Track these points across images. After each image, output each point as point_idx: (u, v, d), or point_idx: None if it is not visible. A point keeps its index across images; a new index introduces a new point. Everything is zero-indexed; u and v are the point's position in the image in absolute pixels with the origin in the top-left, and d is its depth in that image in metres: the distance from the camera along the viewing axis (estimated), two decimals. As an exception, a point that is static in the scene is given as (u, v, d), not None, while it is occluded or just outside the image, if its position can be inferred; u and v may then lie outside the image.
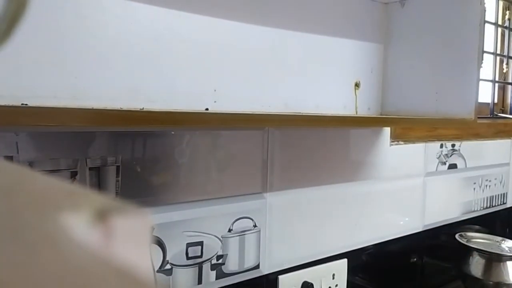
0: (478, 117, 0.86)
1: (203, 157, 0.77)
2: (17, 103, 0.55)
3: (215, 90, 0.77)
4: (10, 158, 0.56)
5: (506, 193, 1.51)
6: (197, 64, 0.74)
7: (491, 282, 1.08)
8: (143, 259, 0.12)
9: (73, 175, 0.62)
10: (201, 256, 0.77)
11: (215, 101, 0.77)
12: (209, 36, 0.75)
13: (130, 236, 0.12)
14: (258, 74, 0.82)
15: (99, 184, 0.65)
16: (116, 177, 0.66)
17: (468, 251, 1.14)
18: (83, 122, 0.60)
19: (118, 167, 0.66)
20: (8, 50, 0.55)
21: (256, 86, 0.82)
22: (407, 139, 1.15)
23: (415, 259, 1.22)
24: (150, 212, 0.71)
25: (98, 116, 0.57)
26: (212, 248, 0.79)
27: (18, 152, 0.57)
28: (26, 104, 0.56)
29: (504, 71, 1.54)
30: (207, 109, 0.76)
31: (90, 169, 0.64)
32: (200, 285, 0.77)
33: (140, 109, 0.59)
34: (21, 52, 0.56)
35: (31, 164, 0.58)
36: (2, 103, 0.54)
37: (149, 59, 0.69)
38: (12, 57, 0.55)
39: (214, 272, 0.79)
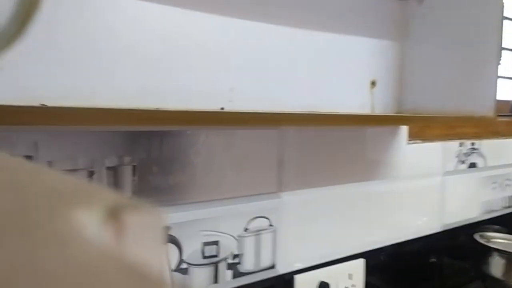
0: (498, 115, 0.84)
1: (219, 156, 0.77)
2: (36, 103, 0.56)
3: (230, 90, 0.77)
4: (29, 157, 0.57)
5: (528, 192, 1.48)
6: (212, 64, 0.75)
7: (512, 283, 1.06)
8: (155, 257, 0.12)
9: (91, 174, 0.63)
10: (217, 255, 0.77)
11: (230, 101, 0.77)
12: (224, 36, 0.75)
13: (142, 234, 0.12)
14: (273, 73, 0.82)
15: (116, 183, 0.65)
16: (133, 176, 0.67)
17: (488, 251, 1.12)
18: (99, 122, 0.60)
19: (134, 167, 0.67)
20: (26, 52, 0.56)
21: (271, 85, 0.81)
22: (425, 138, 1.13)
23: (433, 259, 1.20)
24: (166, 211, 0.71)
25: (114, 116, 0.58)
26: (228, 247, 0.79)
27: (37, 151, 0.58)
28: (45, 105, 0.57)
29: (525, 68, 1.50)
30: (222, 108, 0.76)
31: (107, 168, 0.64)
32: (216, 284, 0.78)
33: (156, 108, 0.60)
34: (38, 53, 0.57)
35: (50, 163, 0.59)
36: (21, 104, 0.55)
37: (164, 59, 0.69)
38: (29, 58, 0.56)
39: (230, 271, 0.79)
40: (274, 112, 0.78)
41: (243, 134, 0.80)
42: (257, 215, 0.83)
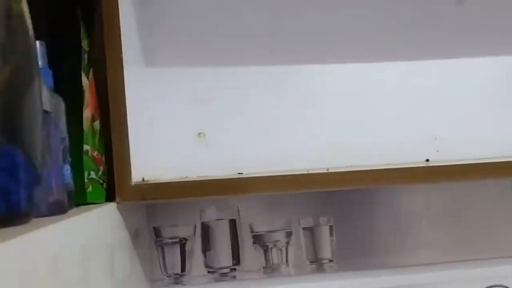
0: None
1: (433, 213, 0.69)
2: (234, 172, 0.64)
3: (435, 138, 0.69)
4: (233, 221, 0.65)
5: None
6: (410, 112, 0.69)
7: None
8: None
9: (288, 235, 0.66)
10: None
11: (437, 150, 0.69)
12: (420, 80, 0.69)
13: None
14: (489, 113, 0.69)
15: (313, 243, 0.66)
16: (330, 237, 0.67)
17: None
18: (290, 187, 0.63)
19: (331, 227, 0.67)
20: (226, 129, 0.65)
21: (488, 127, 0.69)
22: None
23: None
24: (371, 275, 0.67)
25: (303, 180, 0.60)
26: (454, 320, 0.67)
27: (239, 216, 0.65)
28: (241, 173, 0.64)
29: None
30: (427, 160, 0.69)
31: (303, 229, 0.66)
32: None
33: (326, 170, 0.59)
34: (235, 129, 0.66)
35: (251, 225, 0.66)
36: (224, 174, 0.63)
37: (355, 115, 0.68)
38: (228, 134, 0.65)
39: None
40: (497, 160, 0.65)
41: (462, 187, 0.69)
42: (494, 284, 0.68)
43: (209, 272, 0.65)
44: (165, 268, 0.64)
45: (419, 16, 0.70)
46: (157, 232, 0.64)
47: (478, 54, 0.70)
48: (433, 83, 0.70)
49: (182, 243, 0.64)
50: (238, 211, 0.65)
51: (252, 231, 0.65)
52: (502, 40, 0.70)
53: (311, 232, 0.67)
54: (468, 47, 0.70)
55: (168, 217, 0.66)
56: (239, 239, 0.65)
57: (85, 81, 0.43)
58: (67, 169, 0.38)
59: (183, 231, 0.64)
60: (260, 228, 0.65)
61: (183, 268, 0.64)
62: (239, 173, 0.65)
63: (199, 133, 0.66)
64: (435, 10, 0.70)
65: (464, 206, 0.69)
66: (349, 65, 0.69)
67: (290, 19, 0.67)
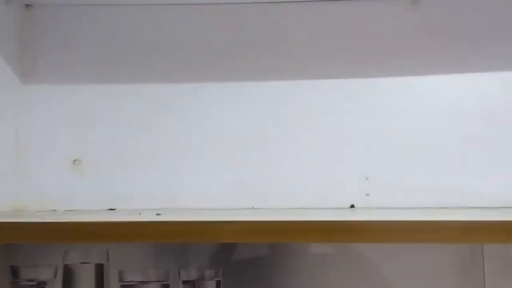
0: None
1: (350, 271, 0.56)
2: (105, 208, 0.55)
3: (366, 179, 0.57)
4: (101, 266, 0.55)
5: None
6: (335, 145, 0.58)
7: None
8: None
9: (165, 288, 0.55)
10: None
11: (367, 194, 0.56)
12: (349, 105, 0.58)
13: None
14: (434, 154, 0.56)
15: (196, 301, 0.55)
16: (217, 294, 0.55)
17: None
18: (169, 237, 0.53)
19: (218, 282, 0.55)
20: (102, 156, 0.57)
21: (429, 171, 0.56)
22: None
23: None
24: None
25: (192, 230, 0.50)
26: None
27: (108, 261, 0.56)
28: (114, 209, 0.55)
29: None
30: (352, 206, 0.57)
31: (184, 282, 0.55)
32: None
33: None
34: (111, 156, 0.57)
35: (121, 273, 0.55)
36: (98, 207, 0.54)
37: (263, 147, 0.58)
38: (105, 163, 0.57)
39: None
40: (447, 219, 0.51)
41: (389, 249, 0.56)
42: None
43: (67, 324, 0.55)
44: (19, 315, 0.55)
45: (345, 32, 0.59)
46: (14, 272, 0.56)
47: (422, 77, 0.58)
48: (365, 109, 0.58)
49: (41, 287, 0.55)
50: (107, 255, 0.56)
51: (121, 280, 0.55)
52: (447, 67, 0.57)
53: (193, 286, 0.55)
54: (409, 67, 0.58)
55: (30, 255, 0.57)
56: (106, 287, 0.55)
57: None
58: None
59: (43, 273, 0.55)
60: (131, 277, 0.55)
61: (38, 317, 0.55)
62: (110, 209, 0.56)
63: (75, 160, 0.58)
64: (369, 27, 0.58)
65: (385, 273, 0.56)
66: (258, 83, 0.59)
67: (185, 35, 0.58)
